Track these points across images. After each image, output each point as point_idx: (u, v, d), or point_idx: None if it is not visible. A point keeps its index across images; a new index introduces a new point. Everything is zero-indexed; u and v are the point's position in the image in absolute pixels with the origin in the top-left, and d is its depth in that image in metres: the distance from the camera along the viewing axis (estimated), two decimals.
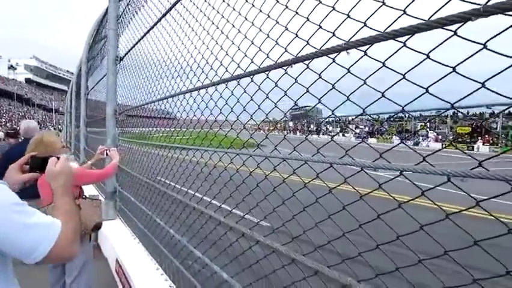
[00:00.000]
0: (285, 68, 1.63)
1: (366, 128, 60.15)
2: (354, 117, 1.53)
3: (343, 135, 51.35)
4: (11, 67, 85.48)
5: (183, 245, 3.00)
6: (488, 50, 0.89)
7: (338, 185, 1.36)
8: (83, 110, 10.61)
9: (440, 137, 46.59)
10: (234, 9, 2.14)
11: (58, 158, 1.42)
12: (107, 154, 3.68)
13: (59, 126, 50.49)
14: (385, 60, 1.13)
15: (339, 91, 1.37)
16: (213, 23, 2.44)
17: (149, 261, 3.79)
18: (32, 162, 1.52)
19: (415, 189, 1.12)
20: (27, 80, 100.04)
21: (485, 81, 0.91)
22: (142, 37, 4.33)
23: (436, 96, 1.03)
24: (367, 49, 1.20)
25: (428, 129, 49.85)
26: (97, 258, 4.86)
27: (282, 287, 1.76)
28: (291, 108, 2.23)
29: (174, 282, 3.20)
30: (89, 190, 7.45)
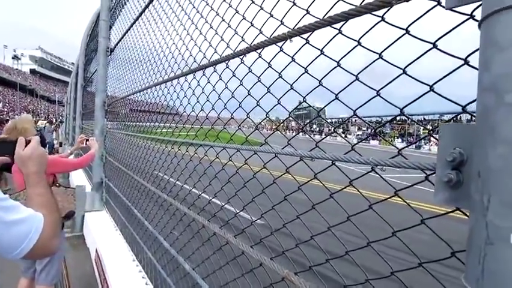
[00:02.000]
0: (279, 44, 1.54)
1: (369, 130, 60.02)
2: (354, 118, 1.49)
3: (345, 136, 51.22)
4: (15, 57, 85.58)
5: (154, 237, 2.98)
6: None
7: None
8: (79, 101, 10.64)
9: None
10: None
11: (30, 141, 1.30)
12: (86, 143, 3.66)
13: (61, 118, 50.60)
14: (339, 60, 1.11)
15: (327, 88, 1.32)
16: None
17: (126, 253, 3.78)
18: (0, 146, 1.38)
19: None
20: (32, 71, 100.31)
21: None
22: (129, 28, 4.32)
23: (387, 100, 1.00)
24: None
25: (430, 133, 49.58)
26: (80, 248, 4.88)
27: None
28: (295, 108, 2.17)
29: (147, 273, 3.20)
30: (79, 180, 7.47)
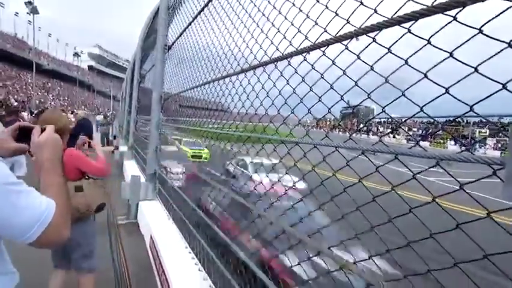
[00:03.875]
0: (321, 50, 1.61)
1: (420, 131, 57.54)
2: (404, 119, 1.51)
3: (394, 137, 49.61)
4: (75, 54, 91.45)
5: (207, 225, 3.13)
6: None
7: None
8: (135, 96, 11.18)
9: (500, 145, 43.44)
10: None
11: (44, 129, 1.31)
12: (90, 146, 3.61)
13: (114, 112, 53.25)
14: (390, 46, 1.14)
15: (392, 85, 1.35)
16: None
17: (180, 240, 3.98)
18: (19, 132, 1.38)
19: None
20: (90, 67, 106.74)
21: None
22: (187, 26, 4.50)
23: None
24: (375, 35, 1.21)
25: (487, 136, 46.76)
26: (135, 234, 5.18)
27: None
28: (346, 107, 2.19)
29: (199, 260, 3.36)
30: (132, 171, 7.87)
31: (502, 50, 0.87)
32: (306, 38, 1.74)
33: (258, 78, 2.38)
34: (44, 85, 61.83)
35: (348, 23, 1.44)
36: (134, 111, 11.16)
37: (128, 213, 5.85)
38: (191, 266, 3.34)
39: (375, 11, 1.27)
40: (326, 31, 1.58)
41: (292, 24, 1.90)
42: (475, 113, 0.94)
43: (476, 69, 0.95)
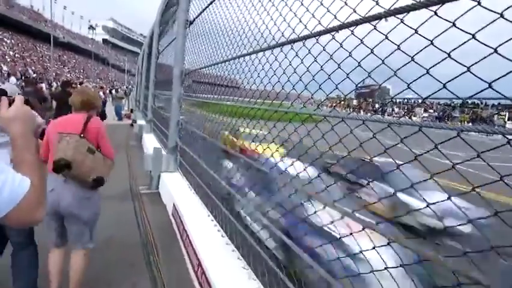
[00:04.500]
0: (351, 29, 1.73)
1: (436, 113, 56.59)
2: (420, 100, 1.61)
3: (409, 118, 49.01)
4: (90, 27, 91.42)
5: (232, 196, 3.32)
6: None
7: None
8: (153, 71, 11.32)
9: None
10: None
11: (13, 101, 1.17)
12: None
13: (130, 86, 53.58)
14: (417, 27, 1.26)
15: (387, 65, 1.48)
16: None
17: (202, 209, 4.21)
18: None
19: None
20: (104, 41, 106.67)
21: None
22: (210, 3, 4.57)
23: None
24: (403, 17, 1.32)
25: (505, 120, 45.77)
26: (157, 203, 5.44)
27: None
28: (361, 86, 2.27)
29: (222, 227, 3.57)
30: (151, 143, 8.10)
31: None
32: (335, 17, 1.85)
33: (286, 55, 2.49)
34: (60, 57, 62.29)
35: (378, 4, 1.54)
36: (152, 86, 11.33)
37: (150, 183, 6.11)
38: (214, 232, 3.57)
39: None
40: (354, 11, 1.70)
41: (322, 4, 2.00)
42: (494, 89, 1.05)
43: (495, 50, 1.07)
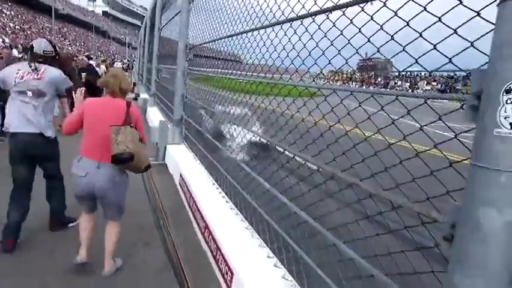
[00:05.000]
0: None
1: (439, 86, 56.07)
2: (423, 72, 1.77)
3: (412, 91, 48.67)
4: None
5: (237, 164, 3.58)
6: None
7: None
8: (156, 45, 11.39)
9: None
10: None
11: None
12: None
13: (131, 60, 53.18)
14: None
15: (396, 41, 1.58)
16: None
17: (207, 178, 4.48)
18: None
19: None
20: (104, 13, 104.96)
21: None
22: None
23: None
24: None
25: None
26: (164, 173, 5.72)
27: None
28: (363, 59, 2.39)
29: (226, 194, 3.85)
30: (156, 117, 8.31)
31: None
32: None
33: (285, 32, 2.68)
34: (60, 30, 61.63)
35: None
36: (155, 60, 11.44)
37: (157, 155, 6.38)
38: (219, 198, 3.85)
39: None
40: None
41: None
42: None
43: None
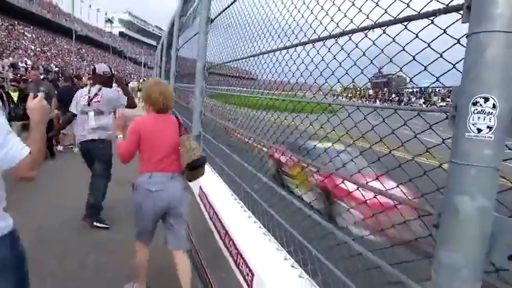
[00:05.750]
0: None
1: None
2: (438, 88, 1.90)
3: (426, 107, 48.32)
4: (108, 20, 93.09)
5: (253, 175, 3.83)
6: None
7: None
8: (173, 64, 11.84)
9: None
10: None
11: (36, 97, 1.67)
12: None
13: (144, 79, 54.37)
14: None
15: (418, 61, 1.61)
16: None
17: (225, 189, 4.74)
18: None
19: None
20: (121, 34, 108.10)
21: None
22: (231, 4, 5.02)
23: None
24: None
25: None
26: None
27: None
28: (377, 76, 2.34)
29: (244, 203, 4.09)
30: None
31: None
32: (368, 17, 2.03)
33: (299, 54, 2.95)
34: (79, 51, 63.63)
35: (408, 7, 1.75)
36: (172, 79, 11.86)
37: None
38: (237, 208, 4.09)
39: None
40: (386, 12, 1.88)
41: (353, 4, 2.20)
42: None
43: None
